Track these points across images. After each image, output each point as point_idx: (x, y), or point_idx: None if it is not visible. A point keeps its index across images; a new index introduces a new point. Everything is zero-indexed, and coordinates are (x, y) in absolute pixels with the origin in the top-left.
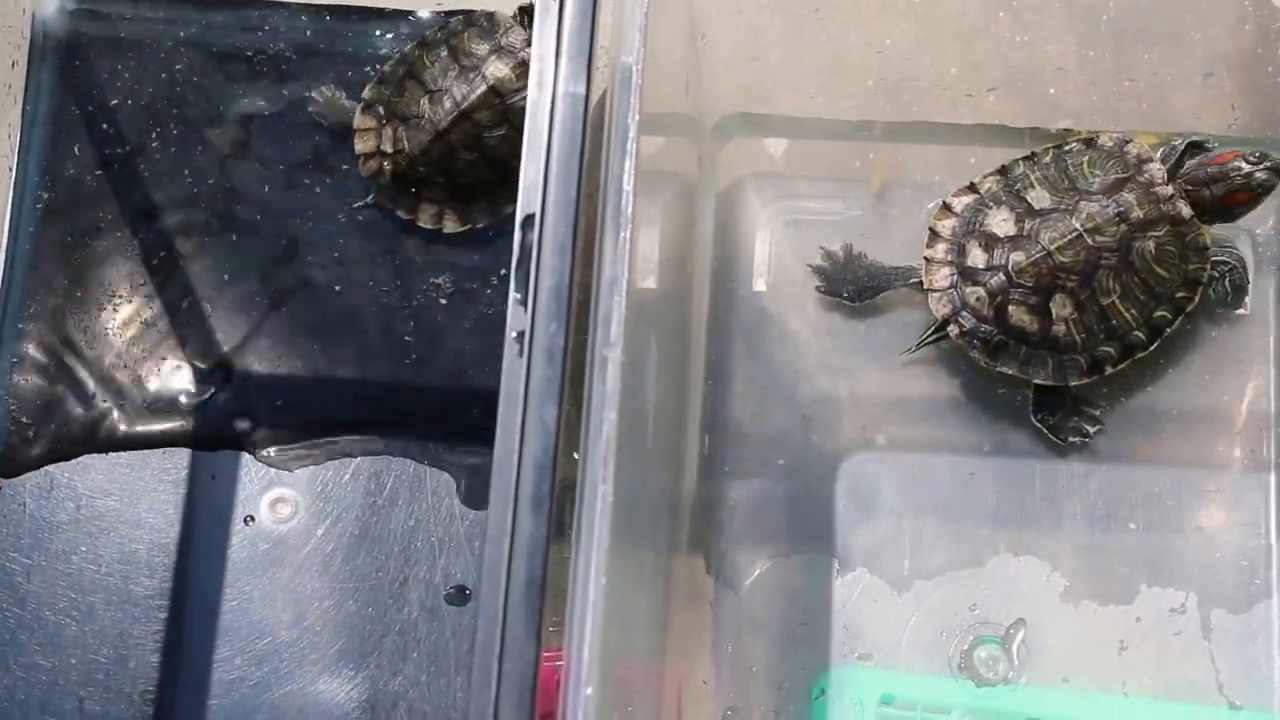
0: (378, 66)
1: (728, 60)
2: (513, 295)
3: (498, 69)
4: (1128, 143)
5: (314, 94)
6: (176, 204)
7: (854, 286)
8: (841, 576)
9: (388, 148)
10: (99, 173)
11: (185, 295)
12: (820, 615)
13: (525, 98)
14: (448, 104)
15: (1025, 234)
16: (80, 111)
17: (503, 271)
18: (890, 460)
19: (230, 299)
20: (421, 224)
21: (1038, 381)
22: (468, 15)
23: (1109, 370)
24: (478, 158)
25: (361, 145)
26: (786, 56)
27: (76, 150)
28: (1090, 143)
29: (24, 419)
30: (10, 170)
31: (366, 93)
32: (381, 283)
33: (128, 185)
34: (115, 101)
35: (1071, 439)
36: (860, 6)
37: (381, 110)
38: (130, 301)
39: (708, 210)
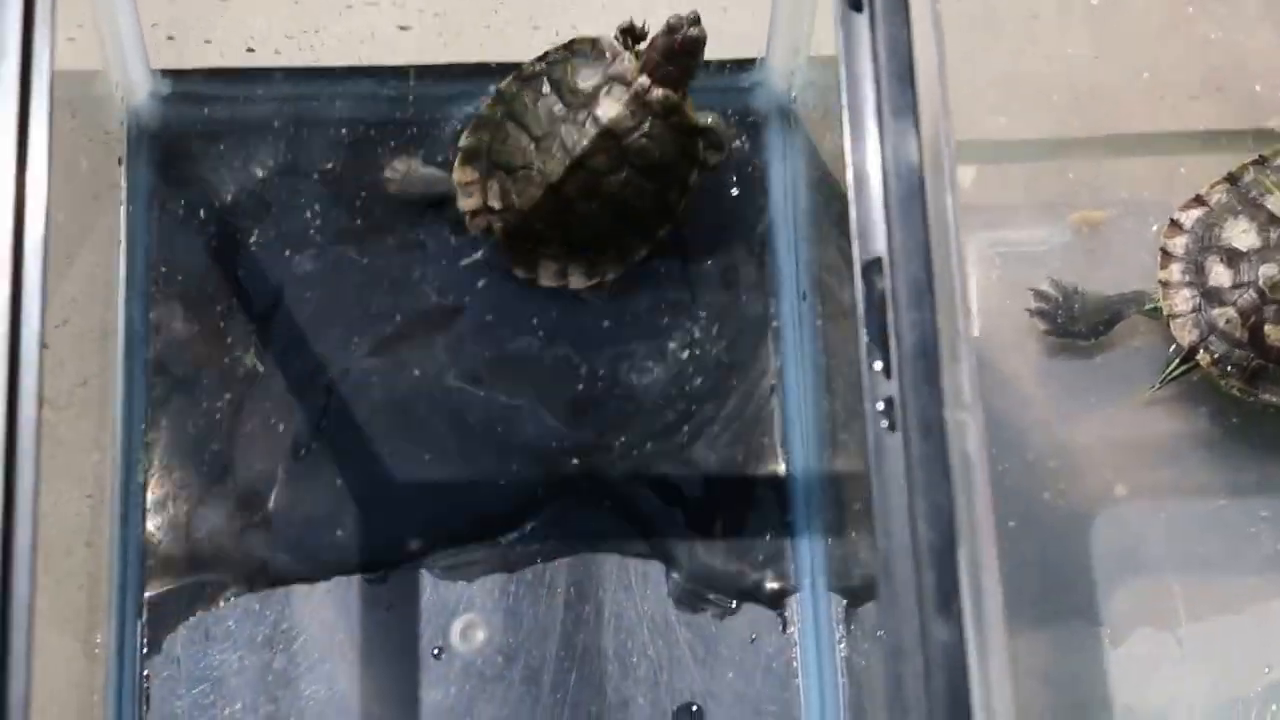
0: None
1: None
2: (865, 358)
3: (609, 109)
4: None
5: (387, 171)
6: (296, 285)
7: (1083, 324)
8: (1105, 649)
9: (495, 203)
10: (209, 264)
11: (324, 396)
12: (1090, 696)
13: (643, 136)
14: (558, 153)
15: (1271, 244)
16: (181, 205)
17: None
18: (1141, 511)
19: (376, 398)
20: (544, 283)
21: None
22: (568, 44)
23: None
24: (598, 206)
25: (465, 202)
26: (959, 76)
27: (182, 246)
28: None
29: (162, 555)
30: (120, 281)
31: (464, 140)
32: (541, 356)
33: (240, 273)
34: (218, 190)
35: None
36: (1033, 18)
37: (483, 160)
38: (271, 413)
39: None
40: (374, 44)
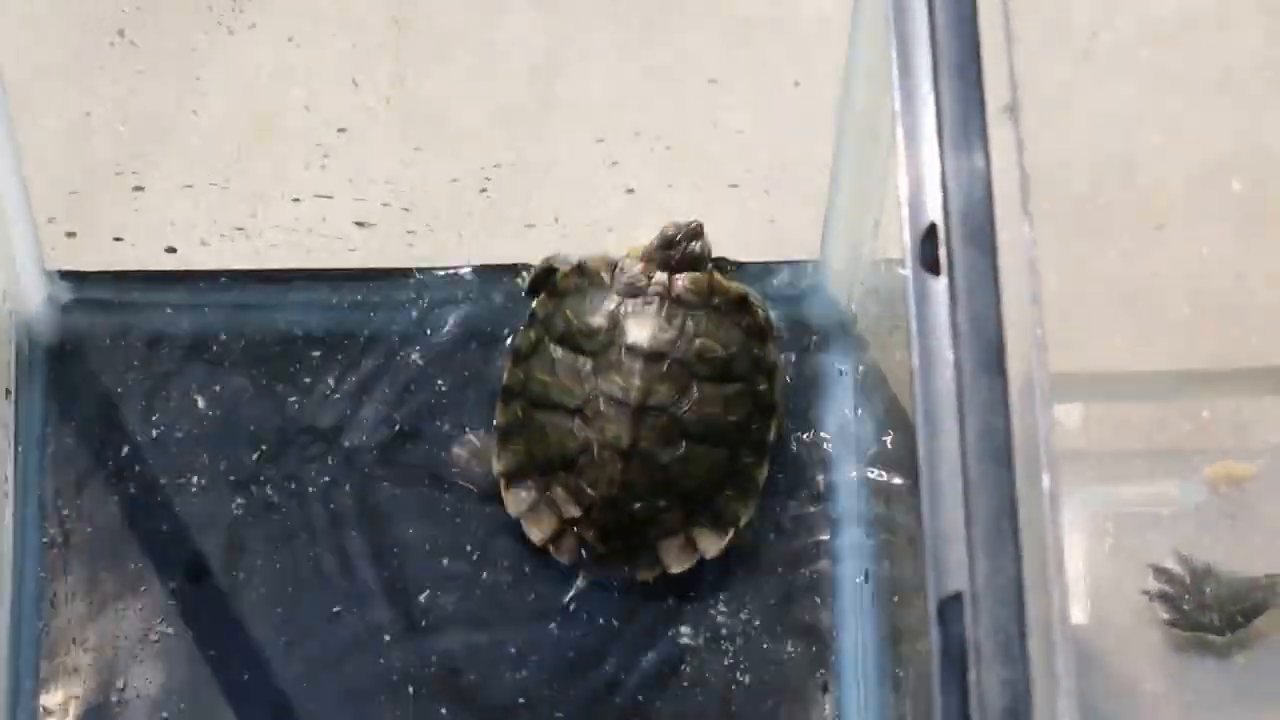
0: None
1: None
2: None
3: (640, 329)
4: None
5: (456, 447)
6: (234, 546)
7: (1217, 613)
8: None
9: (573, 512)
10: (122, 520)
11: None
12: None
13: (694, 337)
14: (611, 410)
15: None
16: (87, 443)
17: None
18: None
19: (329, 690)
20: (675, 570)
21: None
22: (550, 289)
23: None
24: (690, 445)
25: (538, 531)
26: (1065, 286)
27: (88, 497)
28: None
29: None
30: (8, 541)
31: (498, 462)
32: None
33: (163, 529)
34: (134, 424)
35: None
36: (1155, 210)
37: (533, 473)
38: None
39: None
40: (326, 240)
